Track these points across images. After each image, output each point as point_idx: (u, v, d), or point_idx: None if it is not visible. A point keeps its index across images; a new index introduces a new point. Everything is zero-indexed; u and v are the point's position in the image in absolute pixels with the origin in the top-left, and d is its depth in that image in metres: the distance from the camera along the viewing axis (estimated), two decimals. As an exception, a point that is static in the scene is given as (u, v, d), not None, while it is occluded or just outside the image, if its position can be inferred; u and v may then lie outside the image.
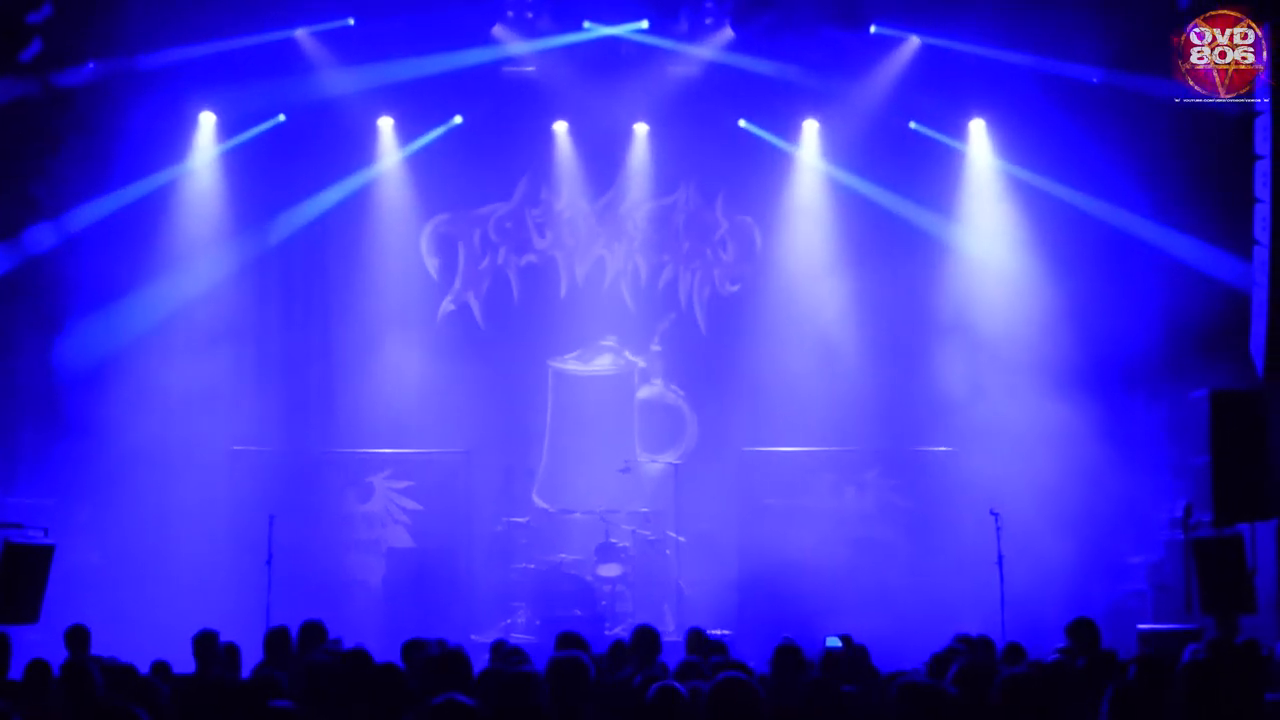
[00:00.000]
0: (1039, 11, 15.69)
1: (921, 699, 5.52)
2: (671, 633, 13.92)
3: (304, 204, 17.24)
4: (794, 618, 14.48)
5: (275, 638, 9.48)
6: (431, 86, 16.63)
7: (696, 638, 9.75)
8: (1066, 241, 16.55)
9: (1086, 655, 9.21)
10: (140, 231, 16.42)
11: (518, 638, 14.67)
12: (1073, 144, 16.19)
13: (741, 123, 17.45)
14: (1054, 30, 15.69)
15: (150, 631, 12.97)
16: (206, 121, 16.84)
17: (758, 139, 17.50)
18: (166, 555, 15.42)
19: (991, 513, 14.20)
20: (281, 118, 16.93)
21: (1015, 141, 16.86)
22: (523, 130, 17.59)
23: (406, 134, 17.45)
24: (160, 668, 8.68)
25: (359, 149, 17.39)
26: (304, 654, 8.38)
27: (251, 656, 9.65)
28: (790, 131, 17.52)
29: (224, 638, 9.67)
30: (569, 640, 8.54)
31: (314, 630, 9.51)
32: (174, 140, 16.64)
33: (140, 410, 15.61)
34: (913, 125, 17.18)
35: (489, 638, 13.07)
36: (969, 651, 9.03)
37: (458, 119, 17.36)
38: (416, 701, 6.26)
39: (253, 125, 16.87)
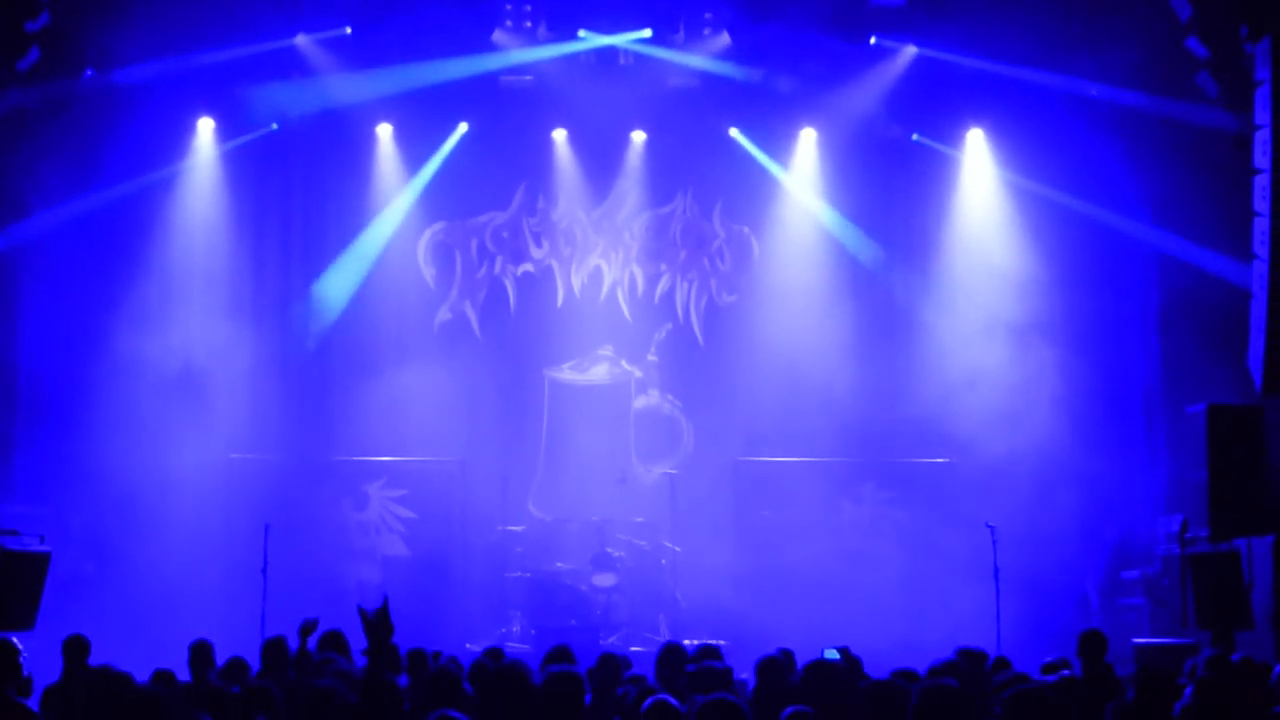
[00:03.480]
0: (1040, 23, 15.73)
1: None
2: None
3: (301, 210, 17.28)
4: (790, 629, 14.47)
5: (271, 648, 9.41)
6: (430, 95, 16.62)
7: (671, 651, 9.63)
8: (1065, 250, 16.65)
9: (1088, 670, 9.18)
10: (135, 234, 16.44)
11: (513, 647, 14.65)
12: (1073, 152, 16.27)
13: (732, 132, 17.45)
14: (1055, 41, 15.73)
15: (145, 640, 12.91)
16: (205, 128, 16.83)
17: (755, 146, 17.51)
18: (161, 564, 15.32)
19: (987, 526, 14.22)
20: (274, 126, 16.92)
21: (1014, 150, 16.92)
22: (520, 139, 17.60)
23: (405, 141, 17.44)
24: (163, 676, 8.63)
25: (357, 156, 17.39)
26: (319, 666, 8.28)
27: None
28: (788, 141, 17.55)
29: (219, 647, 9.64)
30: (559, 655, 8.51)
31: (335, 640, 9.45)
32: (171, 145, 16.63)
33: (137, 418, 15.59)
34: (916, 138, 17.24)
35: (484, 646, 13.00)
36: (965, 664, 9.01)
37: (464, 126, 17.35)
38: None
39: (251, 131, 16.87)
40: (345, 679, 7.10)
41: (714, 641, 10.83)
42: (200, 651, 9.50)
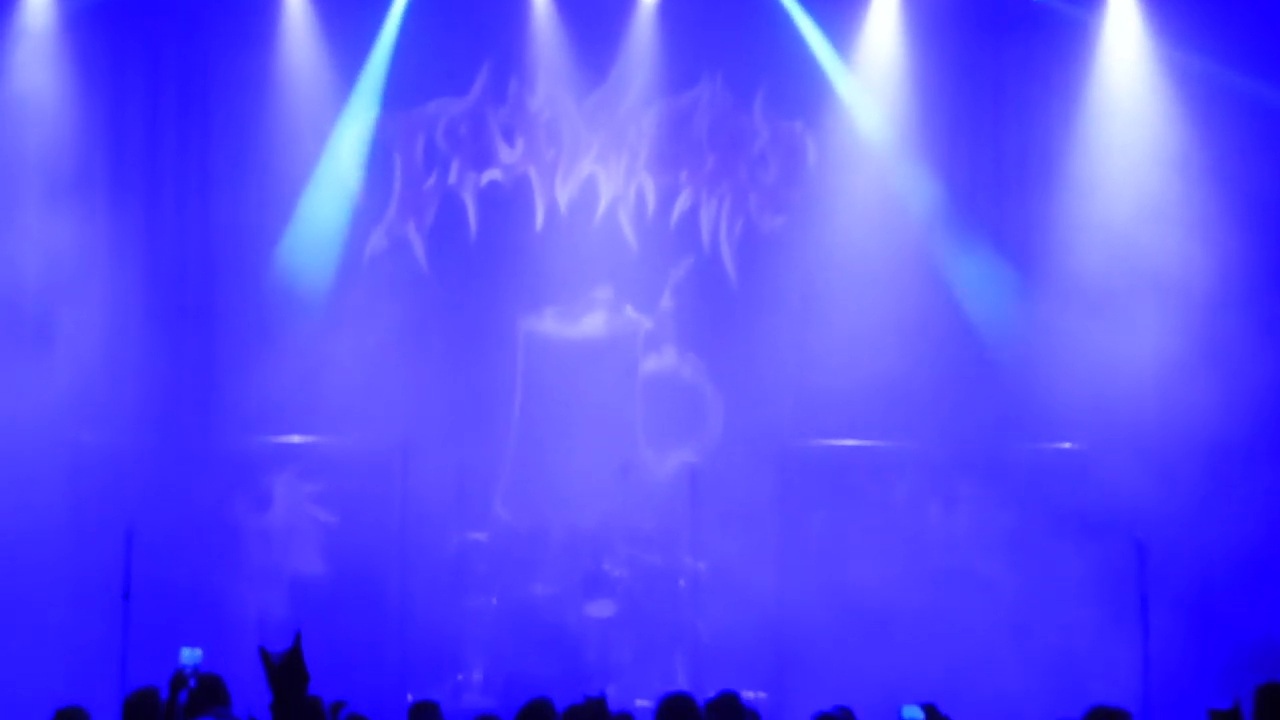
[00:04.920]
0: None
1: None
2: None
3: (175, 96, 17.23)
4: (853, 678, 14.50)
5: (136, 705, 9.35)
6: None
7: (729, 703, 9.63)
8: (1250, 165, 16.48)
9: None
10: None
11: (471, 701, 14.66)
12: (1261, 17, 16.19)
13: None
14: None
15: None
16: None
17: (810, 12, 17.45)
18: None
19: (1133, 538, 14.23)
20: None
21: (1177, 14, 16.84)
22: (486, -2, 17.55)
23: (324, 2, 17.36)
24: None
25: (254, 20, 17.29)
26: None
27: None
28: (857, 2, 17.44)
29: (64, 699, 9.71)
30: (537, 714, 8.53)
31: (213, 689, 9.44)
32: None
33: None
34: (1038, -1, 17.22)
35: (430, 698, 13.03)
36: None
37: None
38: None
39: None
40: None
41: (751, 694, 10.84)
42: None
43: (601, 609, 16.11)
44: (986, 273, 17.29)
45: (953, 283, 17.21)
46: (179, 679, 9.37)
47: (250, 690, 10.71)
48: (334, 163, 17.61)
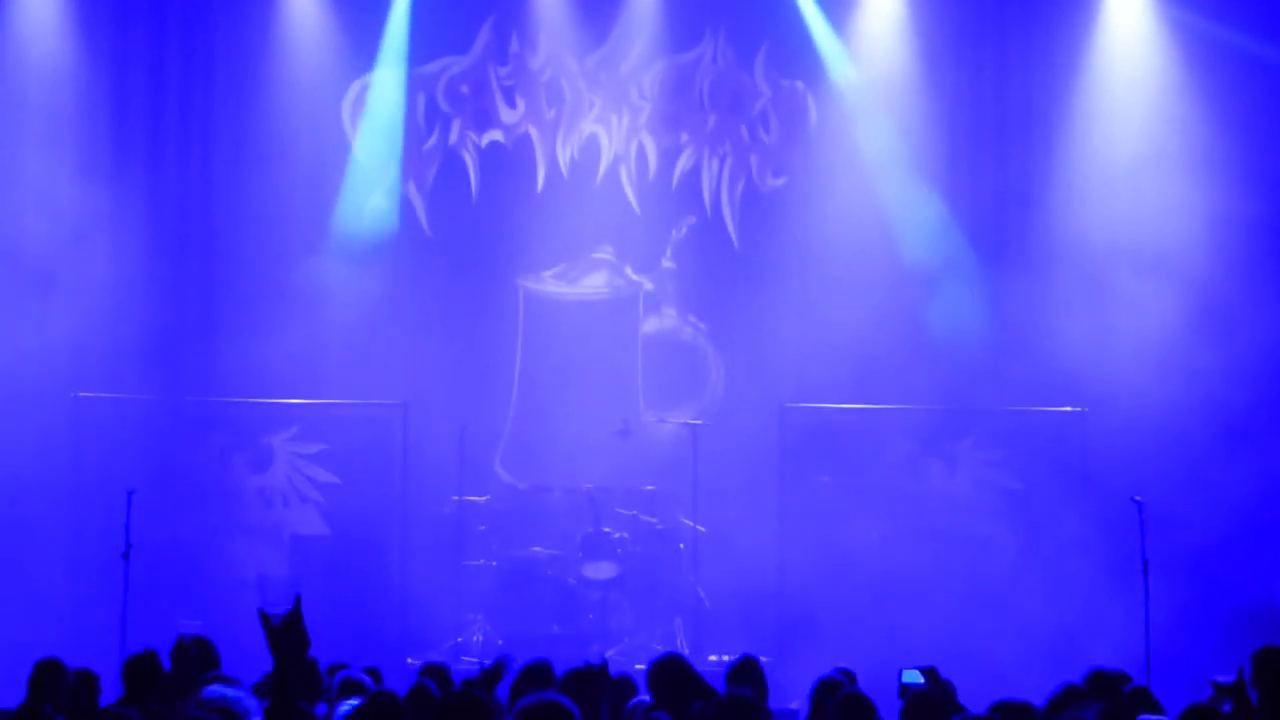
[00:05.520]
0: None
1: None
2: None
3: (179, 51, 17.19)
4: (855, 640, 14.51)
5: (135, 668, 9.40)
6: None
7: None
8: (1260, 126, 16.43)
9: (1267, 699, 9.20)
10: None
11: (471, 662, 14.67)
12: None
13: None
14: None
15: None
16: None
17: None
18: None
19: (1134, 500, 14.21)
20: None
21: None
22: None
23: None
24: None
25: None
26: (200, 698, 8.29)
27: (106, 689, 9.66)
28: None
29: (68, 661, 9.67)
30: (536, 675, 8.54)
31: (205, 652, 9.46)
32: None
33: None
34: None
35: (431, 661, 13.03)
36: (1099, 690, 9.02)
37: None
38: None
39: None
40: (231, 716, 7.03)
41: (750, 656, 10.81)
42: (46, 674, 9.48)
43: (602, 571, 16.09)
44: (992, 232, 17.27)
45: (957, 241, 17.18)
46: (183, 644, 9.42)
47: (249, 652, 10.76)
48: (335, 123, 17.59)
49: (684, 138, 17.92)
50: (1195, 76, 16.80)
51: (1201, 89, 16.75)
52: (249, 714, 7.07)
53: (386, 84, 17.68)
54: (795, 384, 17.08)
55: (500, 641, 15.58)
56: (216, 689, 7.51)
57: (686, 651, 15.35)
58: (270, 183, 17.20)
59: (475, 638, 16.04)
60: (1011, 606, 15.78)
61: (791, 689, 13.49)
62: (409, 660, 14.98)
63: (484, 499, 16.72)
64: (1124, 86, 17.08)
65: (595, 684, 8.35)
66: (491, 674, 8.69)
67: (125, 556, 14.04)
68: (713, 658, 15.39)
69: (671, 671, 8.61)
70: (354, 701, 8.08)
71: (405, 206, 17.69)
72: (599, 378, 17.34)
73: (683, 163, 17.91)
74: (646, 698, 8.91)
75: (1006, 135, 17.38)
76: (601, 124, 17.88)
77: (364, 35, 17.48)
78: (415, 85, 17.75)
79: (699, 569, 16.38)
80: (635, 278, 17.75)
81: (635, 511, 16.52)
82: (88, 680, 9.56)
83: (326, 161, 17.53)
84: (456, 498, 16.63)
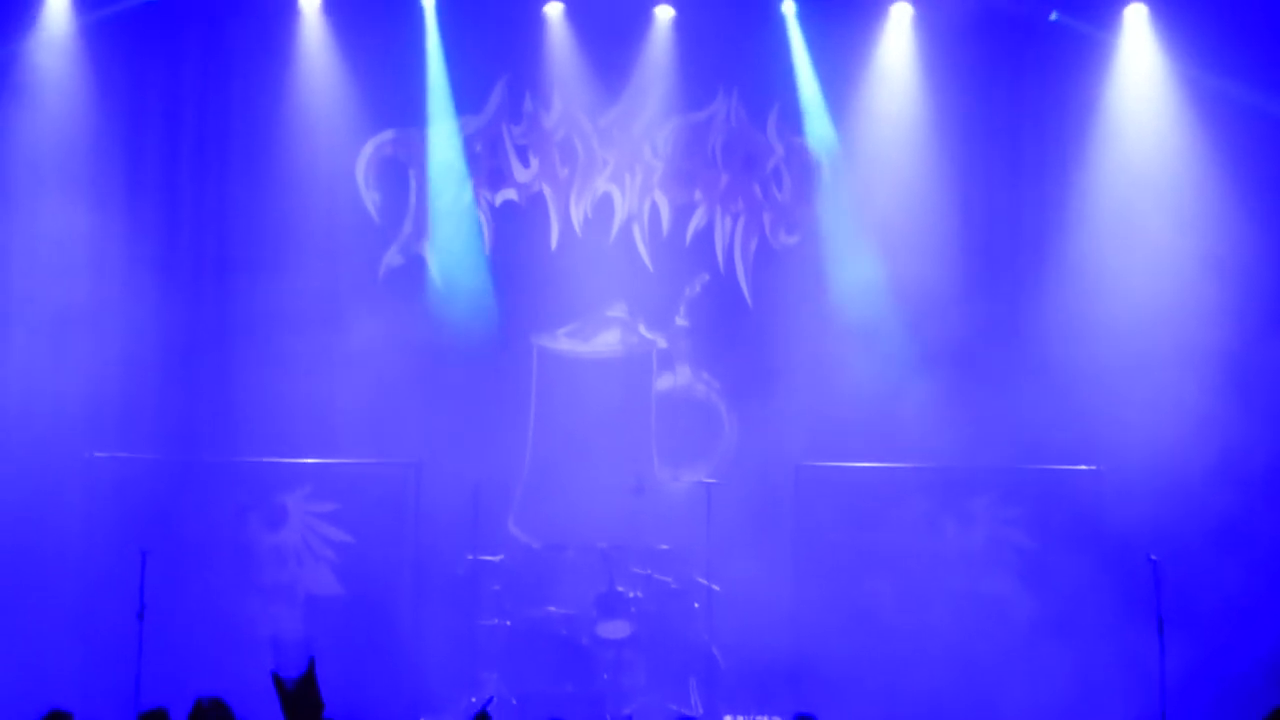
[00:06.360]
0: None
1: None
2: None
3: (193, 109, 17.28)
4: (871, 699, 14.46)
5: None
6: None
7: None
8: (1265, 171, 16.46)
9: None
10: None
11: (485, 724, 14.65)
12: (1270, 35, 16.18)
13: (786, 7, 17.41)
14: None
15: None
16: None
17: (823, 29, 17.44)
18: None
19: (1150, 559, 14.23)
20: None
21: (1189, 33, 16.84)
22: (502, 14, 17.54)
23: (341, 14, 17.37)
24: None
25: (272, 35, 17.33)
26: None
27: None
28: (873, 20, 17.45)
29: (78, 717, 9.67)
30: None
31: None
32: (9, 15, 16.66)
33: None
34: (1054, 17, 17.20)
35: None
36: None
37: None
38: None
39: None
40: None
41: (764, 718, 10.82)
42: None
43: (616, 630, 16.06)
44: (1008, 287, 17.28)
45: (969, 298, 17.18)
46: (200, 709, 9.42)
47: (263, 711, 10.76)
48: (350, 181, 17.64)
49: (697, 195, 17.95)
50: (1207, 133, 16.83)
51: (1213, 145, 16.78)
52: None
53: (403, 142, 17.76)
54: (809, 441, 17.07)
55: (514, 701, 15.53)
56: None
57: (700, 712, 15.37)
58: (285, 241, 17.23)
59: (489, 697, 15.99)
60: (1027, 665, 15.69)
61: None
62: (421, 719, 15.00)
63: (498, 558, 16.68)
64: (1135, 141, 17.10)
65: None
66: None
67: (140, 617, 14.08)
68: (727, 718, 15.35)
69: None
70: None
71: (418, 264, 17.70)
72: (613, 436, 17.33)
73: (696, 221, 17.93)
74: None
75: (1021, 189, 17.38)
76: (615, 182, 17.92)
77: (380, 94, 17.53)
78: (433, 143, 17.83)
79: (713, 628, 16.30)
80: (649, 335, 17.74)
81: (649, 570, 16.47)
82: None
83: (341, 219, 17.59)
84: (470, 557, 16.59)
